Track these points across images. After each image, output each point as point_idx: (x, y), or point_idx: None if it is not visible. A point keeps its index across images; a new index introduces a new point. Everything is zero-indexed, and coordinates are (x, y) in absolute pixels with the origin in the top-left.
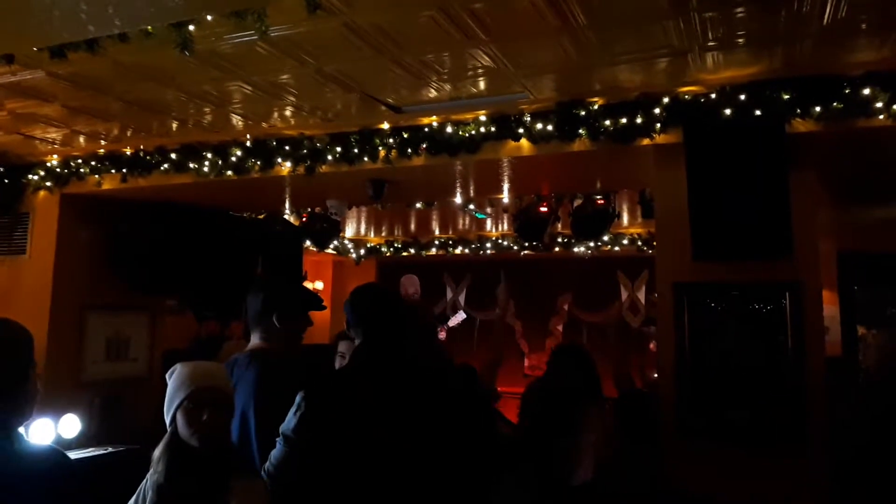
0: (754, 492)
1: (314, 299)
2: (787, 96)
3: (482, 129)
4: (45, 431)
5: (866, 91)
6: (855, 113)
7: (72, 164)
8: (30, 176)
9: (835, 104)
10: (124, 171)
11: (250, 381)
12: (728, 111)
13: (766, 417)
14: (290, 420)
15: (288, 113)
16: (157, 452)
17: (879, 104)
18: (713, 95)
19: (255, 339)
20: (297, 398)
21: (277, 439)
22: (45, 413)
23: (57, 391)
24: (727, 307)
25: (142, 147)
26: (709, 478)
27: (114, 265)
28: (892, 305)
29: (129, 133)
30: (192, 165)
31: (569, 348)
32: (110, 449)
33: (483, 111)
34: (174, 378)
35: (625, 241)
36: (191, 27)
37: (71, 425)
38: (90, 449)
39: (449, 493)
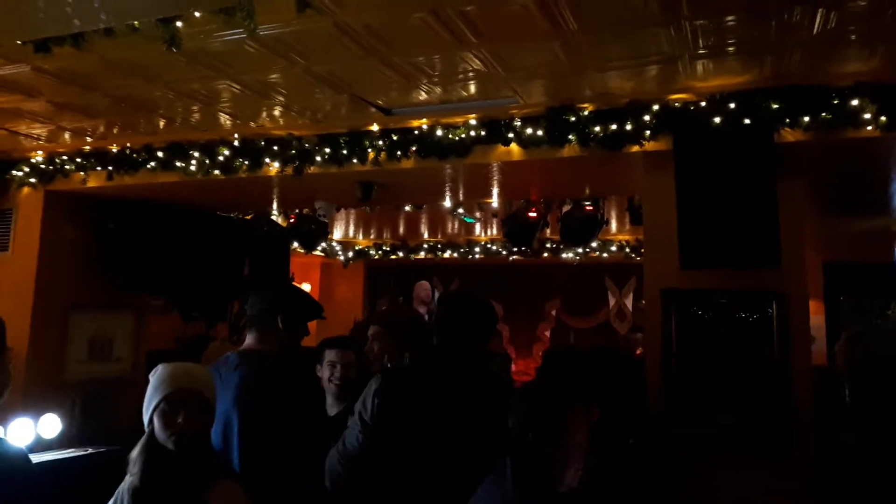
0: (741, 496)
1: (318, 307)
2: (776, 106)
3: (472, 133)
4: (24, 431)
5: (855, 102)
6: (843, 124)
7: (57, 160)
8: (13, 172)
9: (823, 114)
10: (110, 168)
11: (235, 383)
12: (717, 119)
13: (753, 424)
14: (367, 405)
15: (277, 113)
16: (133, 454)
17: (868, 115)
18: (703, 103)
19: (249, 340)
20: (375, 384)
21: (351, 422)
22: (25, 412)
23: (38, 390)
24: (715, 315)
25: (128, 145)
26: (696, 482)
27: (99, 263)
28: (877, 316)
29: (115, 130)
30: (179, 164)
31: (561, 351)
32: (91, 450)
33: (473, 115)
34: (154, 379)
35: (613, 248)
36: (178, 23)
37: (51, 425)
38: (71, 449)
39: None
